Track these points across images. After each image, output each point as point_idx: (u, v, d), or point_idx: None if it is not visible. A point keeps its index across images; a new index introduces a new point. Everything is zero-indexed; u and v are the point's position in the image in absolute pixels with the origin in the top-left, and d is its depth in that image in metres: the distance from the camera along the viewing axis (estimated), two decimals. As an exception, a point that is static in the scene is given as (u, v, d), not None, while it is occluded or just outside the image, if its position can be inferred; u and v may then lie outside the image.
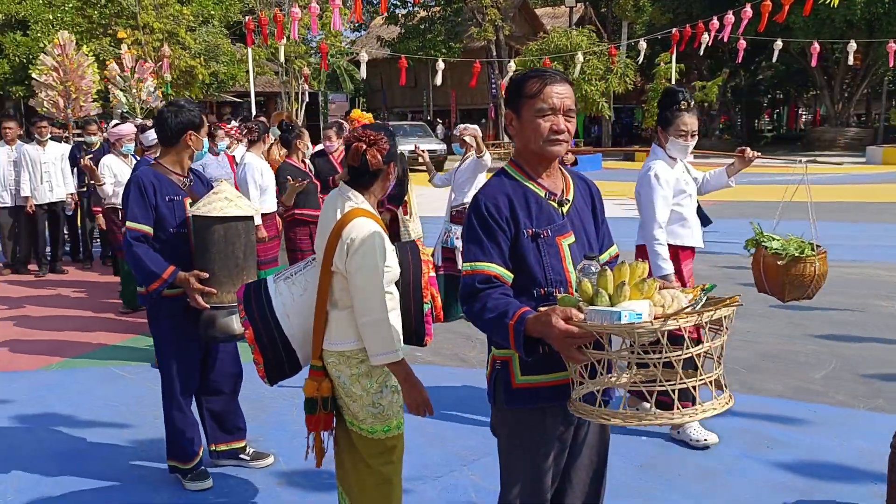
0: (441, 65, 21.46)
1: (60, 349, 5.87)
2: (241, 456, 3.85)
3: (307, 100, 23.96)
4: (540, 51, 24.18)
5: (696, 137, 4.00)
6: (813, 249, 3.66)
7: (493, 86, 32.31)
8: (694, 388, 1.98)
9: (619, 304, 1.99)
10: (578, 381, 2.05)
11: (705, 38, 17.32)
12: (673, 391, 1.96)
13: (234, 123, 7.70)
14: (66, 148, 8.87)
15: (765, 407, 4.51)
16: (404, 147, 26.11)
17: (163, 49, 17.59)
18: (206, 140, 3.58)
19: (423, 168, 7.09)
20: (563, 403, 2.15)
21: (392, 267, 2.58)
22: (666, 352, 1.91)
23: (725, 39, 17.05)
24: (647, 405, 2.54)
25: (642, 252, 3.97)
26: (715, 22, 16.70)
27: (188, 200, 3.40)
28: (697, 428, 3.98)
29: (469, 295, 2.17)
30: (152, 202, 3.32)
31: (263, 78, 26.54)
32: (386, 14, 33.02)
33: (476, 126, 6.79)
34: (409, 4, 34.55)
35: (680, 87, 4.22)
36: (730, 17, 16.43)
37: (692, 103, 3.97)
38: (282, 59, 19.15)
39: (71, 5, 20.38)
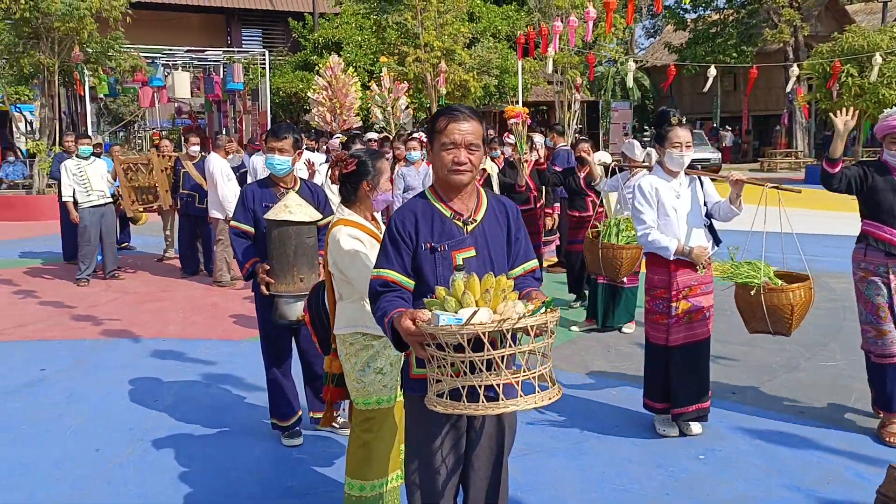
0: (713, 72, 20.70)
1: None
2: (333, 424, 4.56)
3: (577, 109, 24.35)
4: (832, 52, 22.07)
5: (692, 149, 4.25)
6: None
7: (790, 91, 30.03)
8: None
9: (461, 310, 2.33)
10: (434, 380, 2.40)
11: None
12: (498, 385, 2.25)
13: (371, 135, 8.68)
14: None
15: (844, 442, 4.23)
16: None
17: (440, 65, 19.28)
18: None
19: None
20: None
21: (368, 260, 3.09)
22: (485, 351, 2.22)
23: None
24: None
25: (648, 257, 4.37)
26: None
27: (281, 207, 4.19)
28: (661, 422, 4.48)
29: (371, 296, 2.62)
30: (251, 207, 4.16)
31: (538, 88, 27.51)
32: (668, 19, 32.23)
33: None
34: (701, 8, 33.33)
35: (669, 108, 4.41)
36: None
37: (683, 119, 4.11)
38: (549, 69, 19.81)
39: (371, 29, 23.02)
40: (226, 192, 8.35)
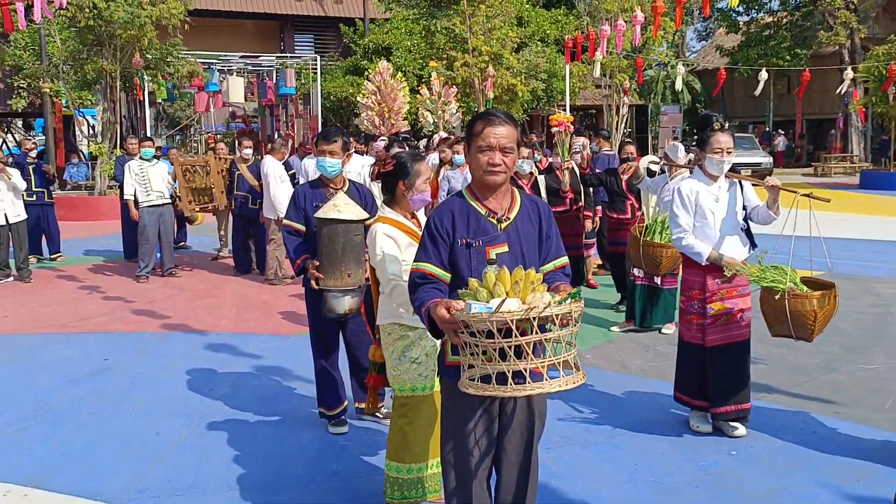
0: (764, 75, 20.46)
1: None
2: (377, 414, 4.78)
3: (625, 113, 24.27)
4: (888, 55, 21.60)
5: (732, 154, 4.31)
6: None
7: (845, 94, 29.43)
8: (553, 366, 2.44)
9: (492, 301, 2.51)
10: (467, 365, 2.59)
11: None
12: (526, 369, 2.43)
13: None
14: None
15: (878, 443, 4.27)
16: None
17: (488, 70, 19.47)
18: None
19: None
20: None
21: (395, 256, 3.31)
22: (514, 338, 2.40)
23: None
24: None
25: (684, 258, 4.51)
26: None
27: (331, 207, 4.44)
28: (696, 418, 4.59)
29: (410, 287, 2.82)
30: (302, 207, 4.41)
31: (587, 92, 27.47)
32: (720, 21, 31.86)
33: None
34: (754, 10, 32.87)
35: (711, 111, 4.45)
36: None
37: (726, 125, 4.15)
38: (597, 73, 19.85)
39: (420, 34, 23.32)
40: (278, 193, 8.67)
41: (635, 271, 6.78)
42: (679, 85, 19.81)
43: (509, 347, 2.40)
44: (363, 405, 4.75)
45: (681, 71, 19.62)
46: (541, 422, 2.91)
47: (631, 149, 7.96)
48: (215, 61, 21.93)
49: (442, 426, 2.93)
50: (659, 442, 4.43)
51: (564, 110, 29.50)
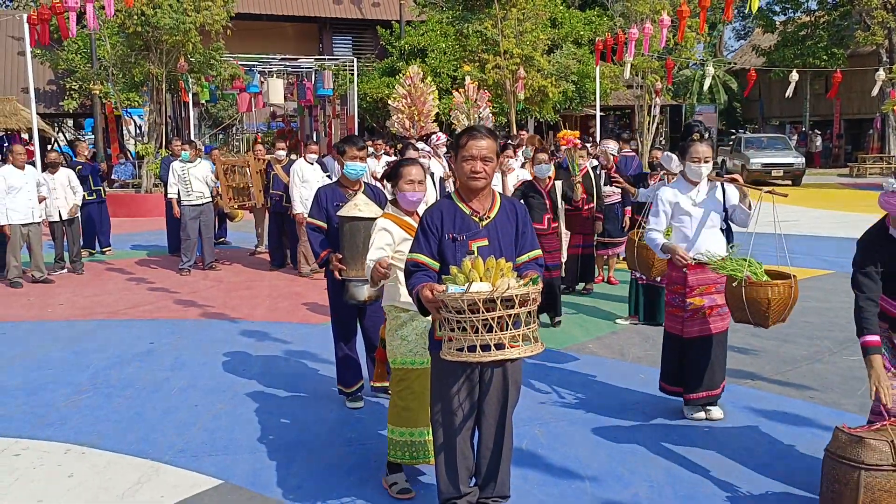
0: (795, 76, 20.55)
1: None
2: (389, 392, 5.31)
3: (657, 113, 24.54)
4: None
5: (710, 163, 4.74)
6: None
7: (884, 94, 29.20)
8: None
9: (465, 284, 3.03)
10: (448, 339, 3.11)
11: None
12: (493, 341, 2.95)
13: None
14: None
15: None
16: (760, 160, 24.96)
17: (518, 71, 19.94)
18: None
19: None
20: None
21: (388, 248, 3.86)
22: (482, 314, 2.92)
23: None
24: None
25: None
26: None
27: (350, 206, 5.00)
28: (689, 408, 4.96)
29: (405, 273, 3.36)
30: (324, 206, 4.98)
31: (619, 92, 27.72)
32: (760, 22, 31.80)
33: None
34: (790, 10, 32.77)
35: (697, 121, 4.82)
36: None
37: (706, 135, 4.55)
38: (626, 75, 20.17)
39: (453, 36, 23.86)
40: (294, 193, 9.36)
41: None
42: (707, 84, 20.01)
43: (480, 322, 2.92)
44: (375, 384, 5.30)
45: (710, 72, 19.84)
46: (515, 389, 3.43)
47: (658, 153, 8.38)
48: (256, 63, 22.75)
49: (431, 391, 3.47)
50: (640, 420, 4.91)
51: (610, 110, 29.78)
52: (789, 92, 20.36)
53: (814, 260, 10.30)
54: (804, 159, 24.86)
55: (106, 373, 6.01)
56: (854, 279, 3.70)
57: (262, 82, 22.80)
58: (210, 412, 5.14)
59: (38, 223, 9.68)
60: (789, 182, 23.28)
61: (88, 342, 6.94)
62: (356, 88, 23.07)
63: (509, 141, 10.48)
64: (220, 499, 3.93)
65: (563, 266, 7.66)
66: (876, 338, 3.56)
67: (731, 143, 28.40)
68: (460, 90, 15.34)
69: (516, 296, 2.89)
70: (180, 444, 4.60)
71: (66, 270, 10.40)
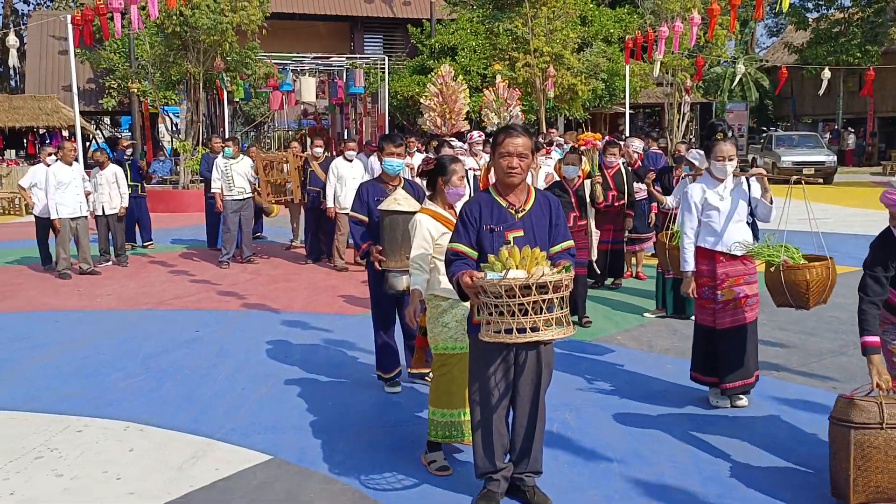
0: (827, 74, 20.54)
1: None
2: (427, 378, 5.57)
3: (687, 111, 24.52)
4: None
5: (735, 161, 4.90)
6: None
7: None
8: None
9: (503, 271, 3.27)
10: (486, 322, 3.35)
11: None
12: (526, 324, 3.19)
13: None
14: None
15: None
16: (791, 158, 24.83)
17: (549, 70, 20.10)
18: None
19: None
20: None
21: (428, 244, 4.09)
22: (518, 298, 3.16)
23: None
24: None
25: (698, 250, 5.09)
26: None
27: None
28: (714, 395, 5.17)
29: (446, 262, 3.61)
30: (366, 201, 5.24)
31: (648, 90, 27.73)
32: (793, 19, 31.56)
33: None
34: (823, 7, 32.47)
35: (720, 120, 4.99)
36: None
37: (729, 134, 4.73)
38: (655, 73, 20.26)
39: (484, 35, 24.08)
40: (329, 188, 9.80)
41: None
42: (735, 81, 19.99)
43: (516, 306, 3.16)
44: (412, 370, 5.56)
45: (740, 70, 19.86)
46: (548, 370, 3.66)
47: (682, 146, 8.56)
48: (289, 62, 23.16)
49: (469, 372, 3.71)
50: (665, 407, 5.11)
51: (641, 107, 29.66)
52: (821, 90, 20.31)
53: (843, 257, 10.29)
54: (836, 157, 24.68)
55: (156, 359, 6.34)
56: (861, 281, 3.93)
57: (294, 80, 23.21)
58: (256, 395, 5.43)
59: (86, 217, 10.09)
60: (821, 180, 23.16)
61: (136, 330, 7.28)
62: (387, 86, 23.38)
63: (540, 139, 10.70)
64: (270, 472, 4.21)
65: (594, 263, 7.76)
66: (875, 339, 3.87)
67: (761, 140, 28.25)
68: (491, 88, 15.56)
69: (550, 282, 3.12)
70: (230, 424, 4.89)
71: (110, 263, 10.80)
